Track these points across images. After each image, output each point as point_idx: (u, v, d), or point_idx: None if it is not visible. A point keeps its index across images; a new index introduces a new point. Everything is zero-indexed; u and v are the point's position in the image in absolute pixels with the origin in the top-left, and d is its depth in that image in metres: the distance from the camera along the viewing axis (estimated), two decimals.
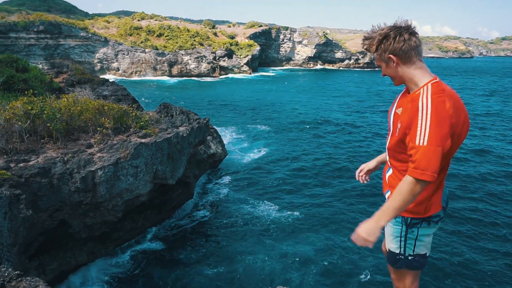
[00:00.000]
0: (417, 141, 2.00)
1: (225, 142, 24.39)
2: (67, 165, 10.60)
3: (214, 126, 24.28)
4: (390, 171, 2.47)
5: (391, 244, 2.50)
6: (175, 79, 66.36)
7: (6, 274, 4.89)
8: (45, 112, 11.09)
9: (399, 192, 2.07)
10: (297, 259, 13.24)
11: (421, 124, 2.00)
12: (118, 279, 12.40)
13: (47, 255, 11.60)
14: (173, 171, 13.90)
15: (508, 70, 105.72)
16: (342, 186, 19.57)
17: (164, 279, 12.37)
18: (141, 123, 13.49)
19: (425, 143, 1.97)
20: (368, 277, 12.23)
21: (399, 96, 2.40)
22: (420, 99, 2.06)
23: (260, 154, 24.80)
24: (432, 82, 2.12)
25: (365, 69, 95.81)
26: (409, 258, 2.45)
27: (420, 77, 2.16)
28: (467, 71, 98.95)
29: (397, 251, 2.47)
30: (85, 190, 10.96)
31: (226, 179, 20.62)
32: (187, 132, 15.14)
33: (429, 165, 1.96)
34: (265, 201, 17.80)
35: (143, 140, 12.49)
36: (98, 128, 12.29)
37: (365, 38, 2.25)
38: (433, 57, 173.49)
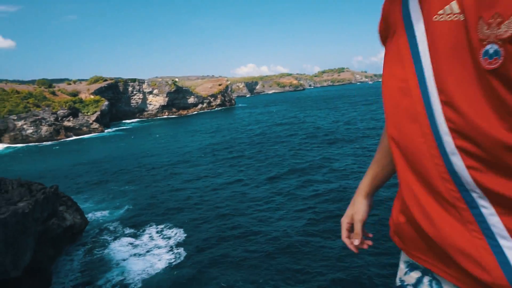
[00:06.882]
0: None
1: (84, 209, 21.26)
2: None
3: (67, 194, 20.99)
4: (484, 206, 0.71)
5: None
6: (5, 149, 56.03)
7: None
8: None
9: None
10: None
11: None
12: None
13: None
14: (16, 260, 11.10)
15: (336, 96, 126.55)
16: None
17: None
18: None
19: None
20: None
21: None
22: None
23: (124, 215, 22.36)
24: None
25: (218, 109, 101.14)
26: None
27: None
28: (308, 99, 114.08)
29: None
30: None
31: (90, 251, 17.73)
32: (30, 207, 12.48)
33: None
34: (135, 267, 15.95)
35: None
36: None
37: None
38: (275, 92, 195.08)
